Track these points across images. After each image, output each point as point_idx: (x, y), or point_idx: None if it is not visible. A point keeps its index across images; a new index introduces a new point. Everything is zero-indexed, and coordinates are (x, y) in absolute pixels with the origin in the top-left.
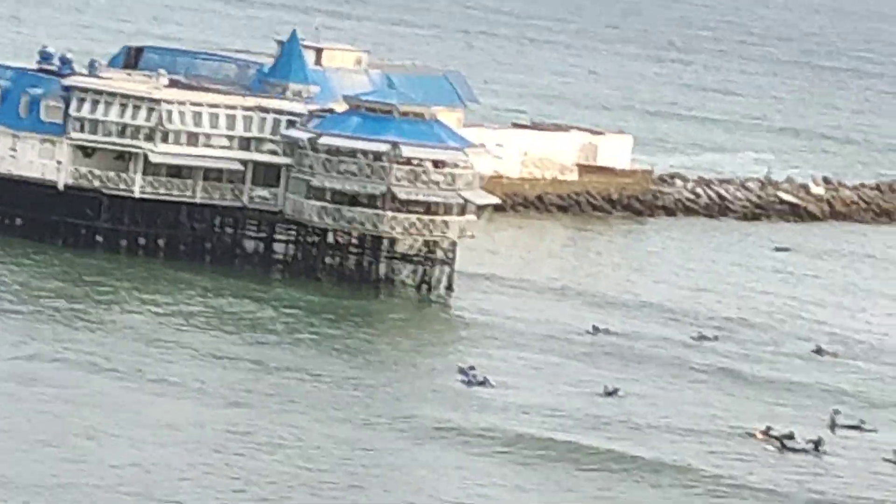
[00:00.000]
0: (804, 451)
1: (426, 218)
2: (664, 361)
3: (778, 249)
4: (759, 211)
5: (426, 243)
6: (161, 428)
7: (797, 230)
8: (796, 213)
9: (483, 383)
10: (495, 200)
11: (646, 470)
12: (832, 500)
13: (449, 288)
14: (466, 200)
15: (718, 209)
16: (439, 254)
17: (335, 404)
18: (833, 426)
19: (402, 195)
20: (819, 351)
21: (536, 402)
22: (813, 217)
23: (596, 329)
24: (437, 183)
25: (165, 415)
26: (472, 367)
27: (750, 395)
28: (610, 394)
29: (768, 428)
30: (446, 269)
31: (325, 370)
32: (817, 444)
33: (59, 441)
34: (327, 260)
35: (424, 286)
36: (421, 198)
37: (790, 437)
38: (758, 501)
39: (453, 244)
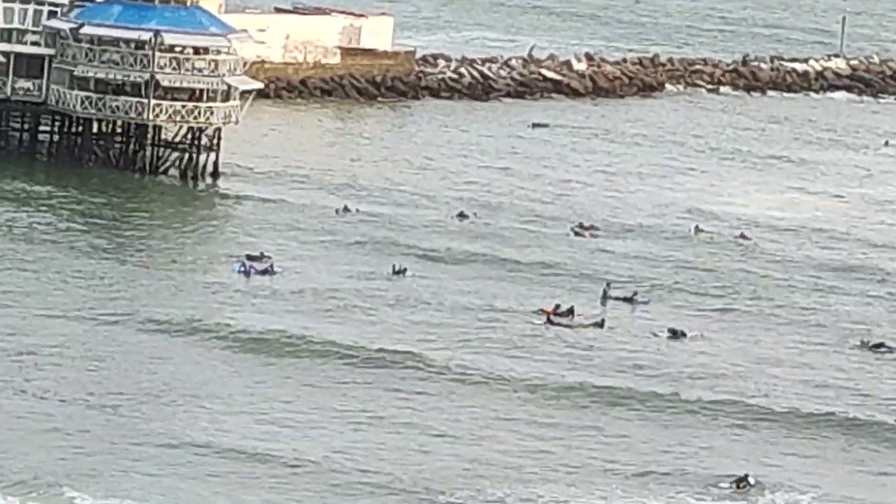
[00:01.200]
0: (587, 325)
1: (190, 105)
2: (431, 244)
3: (535, 126)
4: (522, 89)
5: (191, 130)
6: None
7: (560, 107)
8: (559, 90)
9: (266, 272)
10: (259, 85)
11: (420, 361)
12: (613, 373)
13: (215, 175)
14: (230, 86)
15: (482, 88)
16: (204, 141)
17: (103, 302)
18: (605, 298)
19: (165, 83)
20: (579, 229)
21: (320, 287)
22: (576, 93)
23: (346, 209)
24: (200, 70)
25: None
26: (255, 256)
27: (517, 276)
28: (398, 273)
29: (557, 306)
30: (212, 155)
31: (91, 266)
32: (600, 323)
33: None
34: (93, 150)
35: (190, 174)
36: (184, 85)
37: (570, 312)
38: (532, 385)
39: (218, 130)
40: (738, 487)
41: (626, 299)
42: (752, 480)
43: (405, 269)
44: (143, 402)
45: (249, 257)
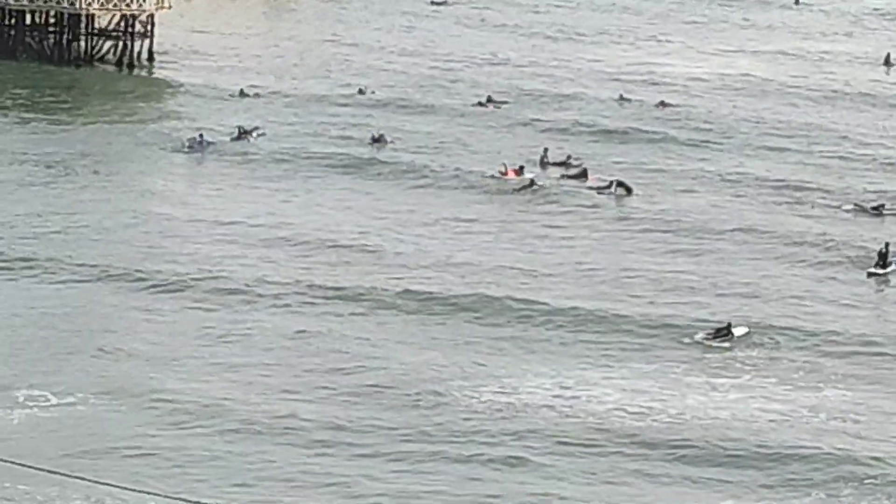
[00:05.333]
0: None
1: None
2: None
3: (434, 3)
4: None
5: (124, 17)
6: None
7: None
8: None
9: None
10: None
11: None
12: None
13: (150, 60)
14: None
15: None
16: (138, 27)
17: (40, 194)
18: (544, 163)
19: None
20: (488, 101)
21: (302, 153)
22: None
23: (242, 92)
24: None
25: None
26: (247, 129)
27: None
28: (376, 140)
29: (521, 167)
30: (146, 42)
31: (31, 153)
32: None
33: None
34: (27, 41)
35: (126, 60)
36: None
37: (584, 174)
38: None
39: (151, 17)
40: (716, 336)
41: (561, 163)
42: (736, 331)
43: (383, 136)
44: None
45: (242, 131)
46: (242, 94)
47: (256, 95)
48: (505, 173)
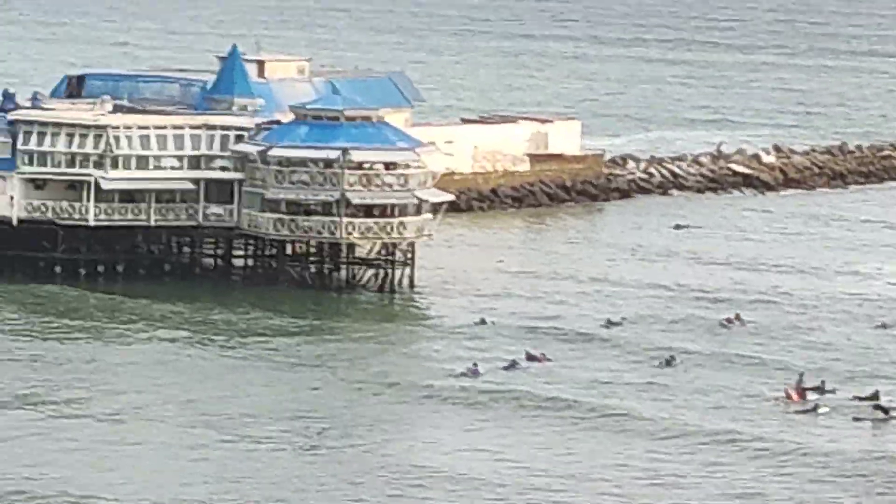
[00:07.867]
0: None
1: (382, 221)
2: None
3: (678, 227)
4: (713, 185)
5: (385, 246)
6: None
7: (755, 201)
8: (750, 184)
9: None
10: (450, 197)
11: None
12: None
13: (411, 288)
14: (421, 200)
15: (673, 186)
16: (399, 255)
17: (307, 426)
18: (799, 388)
19: (356, 200)
20: (729, 321)
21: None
22: (767, 186)
23: (483, 321)
24: (390, 185)
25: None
26: (534, 355)
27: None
28: (668, 362)
29: (803, 390)
30: (407, 270)
31: (299, 383)
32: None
33: None
34: (288, 271)
35: (387, 289)
36: (376, 201)
37: (817, 409)
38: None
39: (412, 245)
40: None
41: (816, 388)
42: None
43: (673, 358)
44: None
45: (529, 356)
46: (482, 322)
47: (493, 324)
48: (790, 397)
